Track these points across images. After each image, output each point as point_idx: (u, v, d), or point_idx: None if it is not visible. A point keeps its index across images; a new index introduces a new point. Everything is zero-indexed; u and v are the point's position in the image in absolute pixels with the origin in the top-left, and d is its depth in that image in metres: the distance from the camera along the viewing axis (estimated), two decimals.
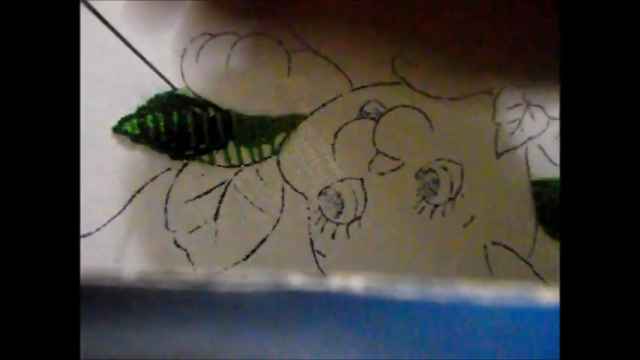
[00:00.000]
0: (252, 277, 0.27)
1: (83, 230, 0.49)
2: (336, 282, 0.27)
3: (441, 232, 0.56)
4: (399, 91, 0.56)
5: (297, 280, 0.27)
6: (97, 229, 0.50)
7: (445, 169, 0.56)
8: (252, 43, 0.54)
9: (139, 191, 0.50)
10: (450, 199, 0.56)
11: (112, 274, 0.26)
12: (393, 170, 0.56)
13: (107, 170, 0.50)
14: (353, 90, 0.55)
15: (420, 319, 0.26)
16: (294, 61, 0.54)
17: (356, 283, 0.27)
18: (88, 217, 0.49)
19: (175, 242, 0.51)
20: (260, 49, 0.54)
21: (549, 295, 0.26)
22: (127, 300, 0.26)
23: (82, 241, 0.49)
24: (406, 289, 0.27)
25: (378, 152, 0.55)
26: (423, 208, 0.56)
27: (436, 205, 0.56)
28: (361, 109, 0.55)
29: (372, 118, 0.55)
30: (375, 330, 0.26)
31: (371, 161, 0.55)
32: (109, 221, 0.50)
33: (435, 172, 0.56)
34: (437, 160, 0.56)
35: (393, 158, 0.56)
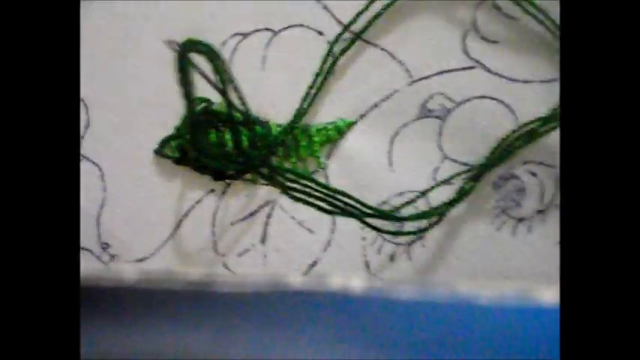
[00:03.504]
0: (252, 277, 0.27)
1: (138, 255, 0.47)
2: (336, 282, 0.27)
3: (527, 253, 0.43)
4: (473, 79, 0.44)
5: (297, 280, 0.27)
6: (152, 254, 0.47)
7: (534, 174, 0.44)
8: (290, 38, 0.45)
9: (185, 215, 0.45)
10: (540, 212, 0.43)
11: (112, 275, 0.27)
12: (465, 179, 0.44)
13: (154, 193, 0.46)
14: (412, 82, 0.44)
15: (420, 319, 0.26)
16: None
17: (356, 283, 0.27)
18: (142, 241, 0.47)
19: (225, 266, 0.43)
20: (299, 45, 0.45)
21: (549, 295, 0.26)
22: (127, 300, 0.26)
23: (139, 266, 0.47)
24: (406, 289, 0.27)
25: (444, 157, 0.45)
26: (503, 223, 0.44)
27: (520, 220, 0.44)
28: (423, 106, 0.45)
29: (438, 117, 0.44)
30: (375, 330, 0.26)
31: (436, 169, 0.45)
32: (160, 246, 0.48)
33: (518, 178, 0.44)
34: (523, 163, 0.44)
35: (464, 164, 0.44)
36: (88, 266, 0.40)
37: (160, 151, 0.45)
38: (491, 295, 0.26)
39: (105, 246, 0.45)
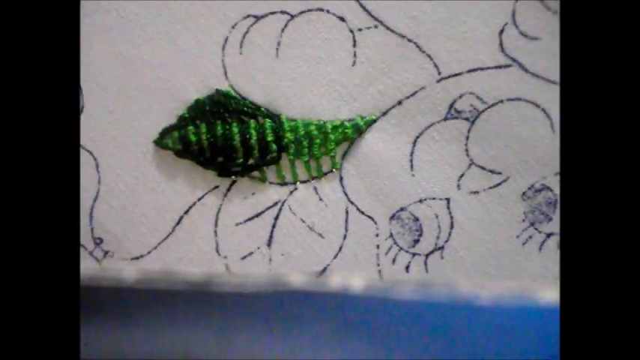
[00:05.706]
0: (252, 277, 0.27)
1: (134, 253, 0.46)
2: (336, 282, 0.27)
3: (555, 271, 0.39)
4: (508, 78, 0.41)
5: (297, 280, 0.27)
6: (149, 252, 0.42)
7: None
8: (308, 24, 0.42)
9: (186, 212, 0.43)
10: None
11: (112, 274, 0.27)
12: (492, 188, 0.42)
13: (152, 187, 0.43)
14: (440, 79, 0.41)
15: (420, 319, 0.26)
16: (361, 44, 0.41)
17: (356, 283, 0.27)
18: (138, 238, 0.45)
19: (227, 269, 0.41)
20: (317, 31, 0.42)
21: (549, 295, 0.26)
22: (127, 300, 0.26)
23: (136, 264, 0.45)
24: (406, 289, 0.27)
25: (471, 164, 0.42)
26: (530, 237, 0.41)
27: (549, 235, 0.41)
28: (451, 107, 0.42)
29: (466, 118, 0.41)
30: (375, 330, 0.26)
31: (461, 176, 0.42)
32: (158, 245, 0.43)
33: (551, 190, 0.41)
34: (556, 174, 0.41)
35: (492, 172, 0.42)
36: (81, 263, 0.38)
37: (160, 142, 0.42)
38: (492, 295, 0.26)
39: (98, 241, 0.44)
